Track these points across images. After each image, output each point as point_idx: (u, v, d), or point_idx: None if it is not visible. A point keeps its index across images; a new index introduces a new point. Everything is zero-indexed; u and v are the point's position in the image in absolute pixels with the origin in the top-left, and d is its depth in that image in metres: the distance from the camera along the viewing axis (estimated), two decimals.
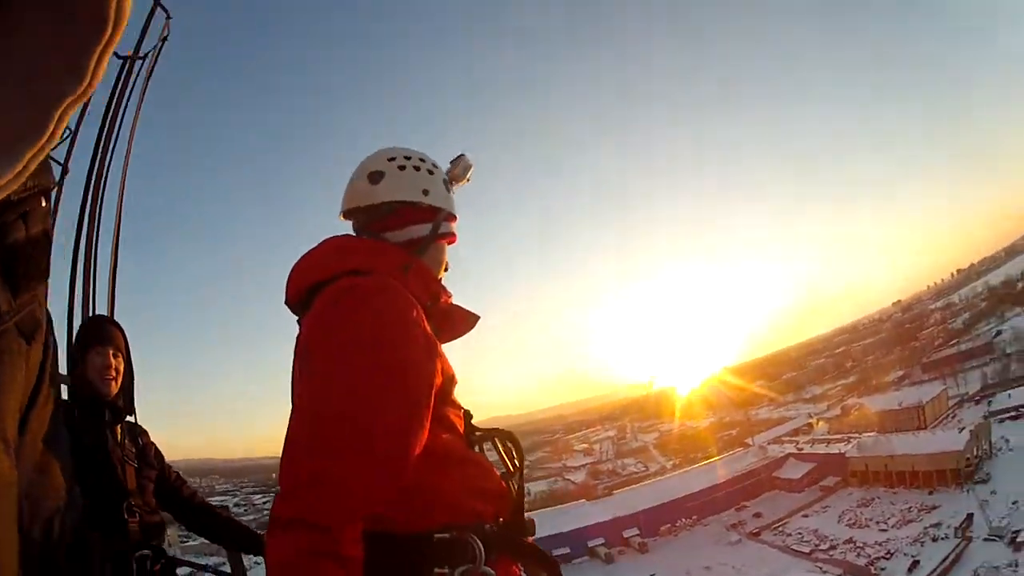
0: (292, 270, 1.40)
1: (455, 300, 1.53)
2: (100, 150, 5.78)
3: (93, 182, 5.71)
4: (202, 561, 2.84)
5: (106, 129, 5.81)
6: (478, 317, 1.55)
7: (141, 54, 6.05)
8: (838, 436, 59.09)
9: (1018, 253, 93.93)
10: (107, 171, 5.82)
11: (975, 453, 43.69)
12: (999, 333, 70.90)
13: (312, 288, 1.32)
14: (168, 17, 6.23)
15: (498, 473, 1.44)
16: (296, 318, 1.38)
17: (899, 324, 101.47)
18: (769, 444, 63.46)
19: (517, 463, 1.51)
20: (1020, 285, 79.60)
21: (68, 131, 5.24)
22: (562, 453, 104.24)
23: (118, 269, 5.72)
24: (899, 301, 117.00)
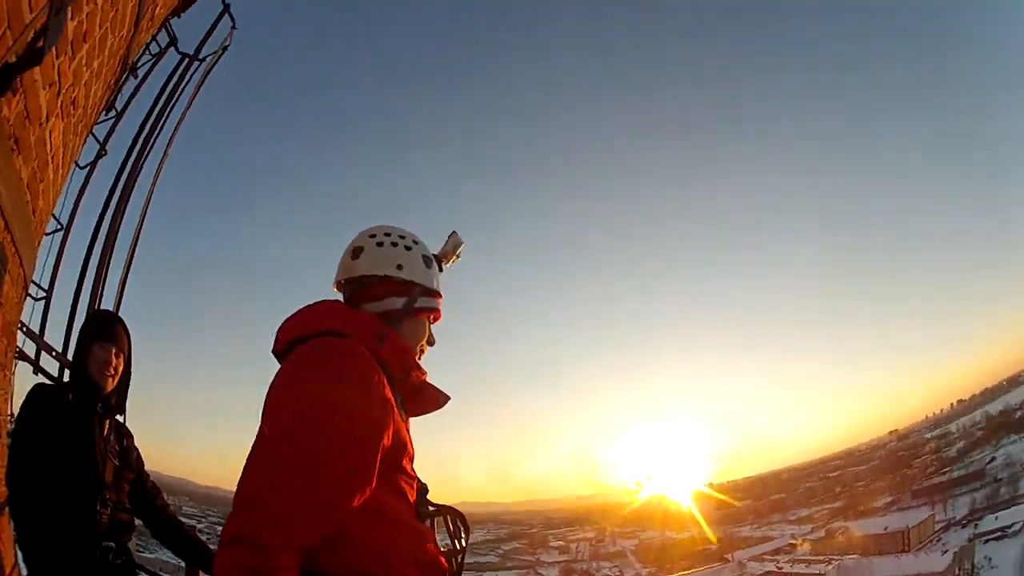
0: (282, 324, 1.53)
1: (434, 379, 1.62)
2: (143, 138, 5.86)
3: (129, 169, 5.74)
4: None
5: (152, 119, 5.92)
6: (448, 398, 1.64)
7: (201, 56, 6.25)
8: (819, 558, 57.63)
9: (1021, 383, 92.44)
10: (144, 161, 5.88)
11: (956, 574, 43.03)
12: (992, 460, 70.04)
13: (294, 342, 1.45)
14: (233, 27, 6.41)
15: (440, 548, 1.51)
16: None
17: (893, 452, 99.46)
18: (748, 561, 61.98)
19: (463, 543, 1.60)
20: (1019, 414, 78.03)
21: (114, 111, 5.55)
22: (537, 547, 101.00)
23: (132, 266, 5.84)
24: (895, 430, 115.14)
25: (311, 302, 1.58)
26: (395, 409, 1.39)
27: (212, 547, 2.84)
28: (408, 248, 1.64)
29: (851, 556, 53.34)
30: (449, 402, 1.65)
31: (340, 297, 1.67)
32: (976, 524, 54.85)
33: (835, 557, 54.12)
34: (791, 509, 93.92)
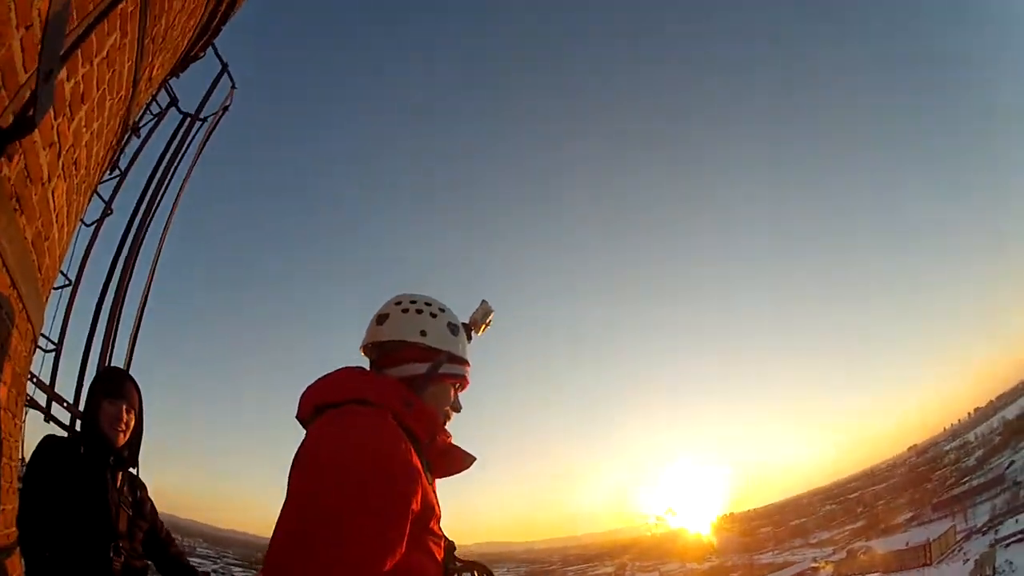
0: (306, 390, 1.53)
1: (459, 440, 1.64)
2: (148, 197, 5.97)
3: (136, 226, 5.83)
4: None
5: (157, 178, 6.03)
6: (474, 459, 1.65)
7: (202, 116, 6.41)
8: None
9: None
10: (151, 219, 5.99)
11: None
12: (1011, 464, 68.93)
13: (320, 408, 1.46)
14: (233, 87, 6.57)
15: None
16: (304, 431, 1.46)
17: (913, 468, 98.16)
18: None
19: None
20: None
21: (118, 170, 5.72)
22: None
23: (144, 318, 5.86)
24: (914, 445, 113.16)
25: (335, 368, 1.58)
26: (422, 474, 1.39)
27: None
28: (433, 315, 1.65)
29: (873, 574, 52.57)
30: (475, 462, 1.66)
31: (366, 361, 1.68)
32: (996, 529, 53.95)
33: None
34: (812, 532, 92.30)
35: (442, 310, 1.69)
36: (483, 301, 1.81)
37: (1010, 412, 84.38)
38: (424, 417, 1.50)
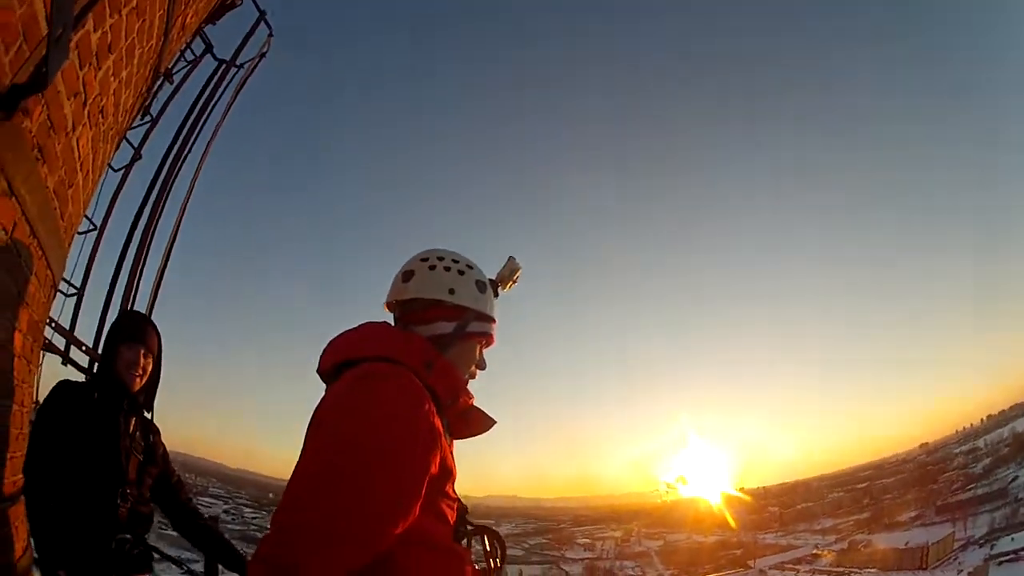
0: (328, 345, 1.51)
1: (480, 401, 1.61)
2: (179, 143, 5.91)
3: (165, 172, 5.79)
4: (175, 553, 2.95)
5: (189, 125, 5.97)
6: (494, 422, 1.63)
7: (238, 63, 6.27)
8: (839, 569, 57.03)
9: None
10: (181, 166, 5.93)
11: None
12: (1015, 479, 68.48)
13: (341, 365, 1.43)
14: (270, 34, 6.40)
15: (477, 567, 1.49)
16: (324, 386, 1.46)
17: (922, 465, 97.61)
18: (770, 569, 61.39)
19: (498, 562, 1.61)
20: None
21: (149, 116, 5.60)
22: (563, 543, 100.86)
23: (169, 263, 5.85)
24: (926, 443, 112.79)
25: (359, 323, 1.55)
26: (442, 435, 1.37)
27: (235, 534, 2.93)
28: (461, 272, 1.61)
29: (870, 570, 52.75)
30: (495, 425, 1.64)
31: (390, 317, 1.66)
32: (992, 544, 53.80)
33: (855, 570, 53.55)
34: (817, 518, 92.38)
35: (470, 267, 1.65)
36: (510, 258, 1.76)
37: (1021, 424, 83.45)
38: (446, 377, 1.48)
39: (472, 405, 1.59)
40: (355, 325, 1.55)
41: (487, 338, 1.66)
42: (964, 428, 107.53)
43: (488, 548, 1.62)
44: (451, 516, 1.45)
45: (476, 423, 1.61)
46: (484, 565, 1.58)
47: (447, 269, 1.60)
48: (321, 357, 1.51)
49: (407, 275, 1.62)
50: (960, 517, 65.47)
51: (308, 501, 1.17)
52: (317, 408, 1.34)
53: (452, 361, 1.53)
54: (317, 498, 1.16)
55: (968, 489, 75.05)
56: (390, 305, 1.66)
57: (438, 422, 1.35)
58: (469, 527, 1.57)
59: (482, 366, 1.68)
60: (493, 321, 1.67)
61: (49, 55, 1.36)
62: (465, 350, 1.60)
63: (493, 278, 1.72)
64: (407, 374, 1.35)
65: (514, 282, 1.76)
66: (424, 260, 1.63)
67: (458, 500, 1.50)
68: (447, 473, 1.40)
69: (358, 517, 1.16)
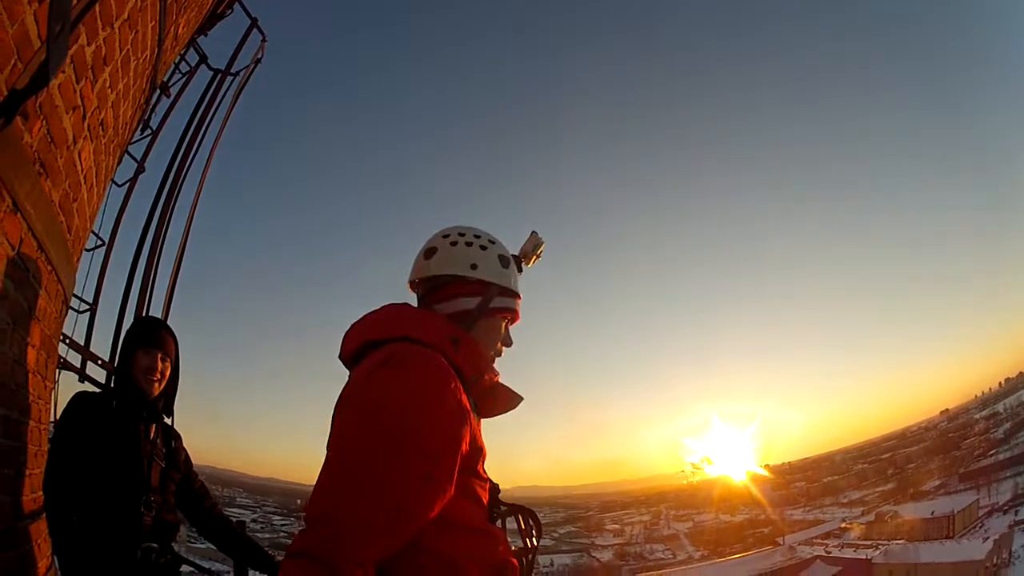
0: (349, 329, 1.49)
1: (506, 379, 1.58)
2: (181, 154, 5.94)
3: (169, 184, 5.81)
4: (206, 564, 2.89)
5: (189, 135, 5.99)
6: (521, 399, 1.61)
7: (233, 71, 6.31)
8: (868, 542, 56.73)
9: None
10: (184, 176, 5.95)
11: (995, 562, 42.15)
12: None
13: (364, 346, 1.42)
14: (263, 40, 6.41)
15: (512, 547, 1.47)
16: (348, 371, 1.45)
17: (944, 433, 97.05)
18: (799, 545, 61.23)
19: (534, 541, 1.58)
20: None
21: (149, 129, 5.65)
22: (593, 530, 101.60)
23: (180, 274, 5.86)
24: (947, 410, 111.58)
25: (378, 307, 1.53)
26: (470, 413, 1.35)
27: (265, 543, 2.88)
28: (483, 248, 1.59)
29: (897, 541, 52.55)
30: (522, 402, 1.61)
31: (413, 297, 1.64)
32: (1017, 511, 53.57)
33: (882, 542, 53.33)
34: (843, 491, 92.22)
35: (492, 242, 1.62)
36: (533, 232, 1.74)
37: None
38: (472, 354, 1.45)
39: (498, 382, 1.56)
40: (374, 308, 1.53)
41: (512, 314, 1.64)
42: (983, 392, 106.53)
43: (523, 527, 1.59)
44: (484, 496, 1.44)
45: (503, 400, 1.58)
46: (519, 545, 1.55)
47: (468, 244, 1.58)
48: (343, 341, 1.49)
49: (429, 252, 1.60)
50: (983, 484, 65.20)
51: (338, 490, 1.15)
52: (344, 391, 1.32)
53: (477, 338, 1.51)
54: (347, 486, 1.15)
55: (990, 455, 74.57)
56: (412, 284, 1.65)
57: (466, 400, 1.34)
58: (502, 507, 1.55)
59: (508, 343, 1.66)
60: (518, 296, 1.65)
61: (49, 50, 1.36)
62: (490, 326, 1.58)
63: (516, 254, 1.70)
64: (433, 353, 1.34)
65: (538, 257, 1.74)
66: (445, 236, 1.61)
67: (489, 480, 1.49)
68: (478, 452, 1.39)
69: (390, 503, 1.15)
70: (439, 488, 1.22)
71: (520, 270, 1.69)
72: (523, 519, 1.59)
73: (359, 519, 1.12)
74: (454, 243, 1.59)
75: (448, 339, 1.41)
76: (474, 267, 1.55)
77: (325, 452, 1.24)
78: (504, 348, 1.65)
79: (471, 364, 1.44)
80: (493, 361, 1.61)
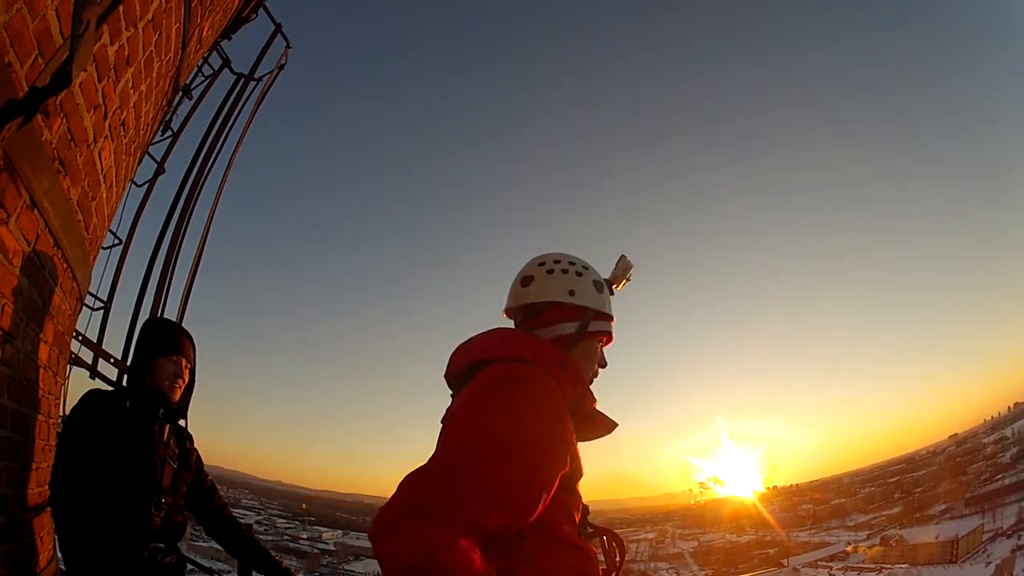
0: (456, 350, 1.55)
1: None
2: (202, 157, 5.95)
3: (189, 186, 5.80)
4: (207, 564, 2.94)
5: (211, 139, 6.00)
6: (616, 424, 1.64)
7: (256, 76, 6.34)
8: (872, 566, 56.41)
9: None
10: (204, 179, 5.94)
11: None
12: None
13: (473, 365, 1.46)
14: (288, 47, 6.46)
15: (601, 567, 1.50)
16: (451, 392, 1.52)
17: (952, 457, 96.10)
18: (803, 567, 60.84)
19: (618, 562, 1.60)
20: None
21: (171, 131, 5.73)
22: (598, 547, 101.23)
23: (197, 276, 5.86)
24: (955, 434, 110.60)
25: (485, 330, 1.57)
26: (572, 434, 1.39)
27: (268, 545, 2.88)
28: (579, 274, 1.65)
29: (901, 565, 52.15)
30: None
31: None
32: (1020, 535, 52.91)
33: (886, 566, 52.98)
34: (849, 514, 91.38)
35: (586, 268, 1.68)
36: (622, 256, 1.81)
37: None
38: (574, 377, 1.49)
39: (595, 408, 1.59)
40: (481, 331, 1.58)
41: (607, 336, 1.69)
42: (992, 417, 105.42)
43: (608, 548, 1.62)
44: (577, 516, 1.47)
45: (599, 427, 1.63)
46: (604, 566, 1.57)
47: (564, 272, 1.64)
48: (450, 360, 1.55)
49: (526, 280, 1.66)
50: (988, 508, 64.53)
51: (447, 478, 1.13)
52: (452, 405, 1.39)
53: (576, 360, 1.56)
54: (457, 462, 1.15)
55: (996, 479, 73.74)
56: (509, 311, 1.71)
57: (569, 421, 1.37)
58: (590, 528, 1.57)
59: (603, 364, 1.72)
60: (612, 319, 1.70)
61: (72, 47, 1.35)
62: (588, 349, 1.64)
63: (607, 277, 1.76)
64: (547, 374, 1.38)
65: (627, 280, 1.81)
66: (541, 264, 1.67)
67: (582, 501, 1.52)
68: (577, 472, 1.42)
69: (493, 496, 1.13)
70: (538, 497, 1.22)
71: (612, 293, 1.75)
72: (609, 541, 1.62)
73: (461, 489, 1.10)
74: (550, 271, 1.64)
75: (557, 362, 1.46)
76: (572, 293, 1.61)
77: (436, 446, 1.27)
78: (600, 369, 1.71)
79: (573, 387, 1.48)
80: (591, 383, 1.66)
